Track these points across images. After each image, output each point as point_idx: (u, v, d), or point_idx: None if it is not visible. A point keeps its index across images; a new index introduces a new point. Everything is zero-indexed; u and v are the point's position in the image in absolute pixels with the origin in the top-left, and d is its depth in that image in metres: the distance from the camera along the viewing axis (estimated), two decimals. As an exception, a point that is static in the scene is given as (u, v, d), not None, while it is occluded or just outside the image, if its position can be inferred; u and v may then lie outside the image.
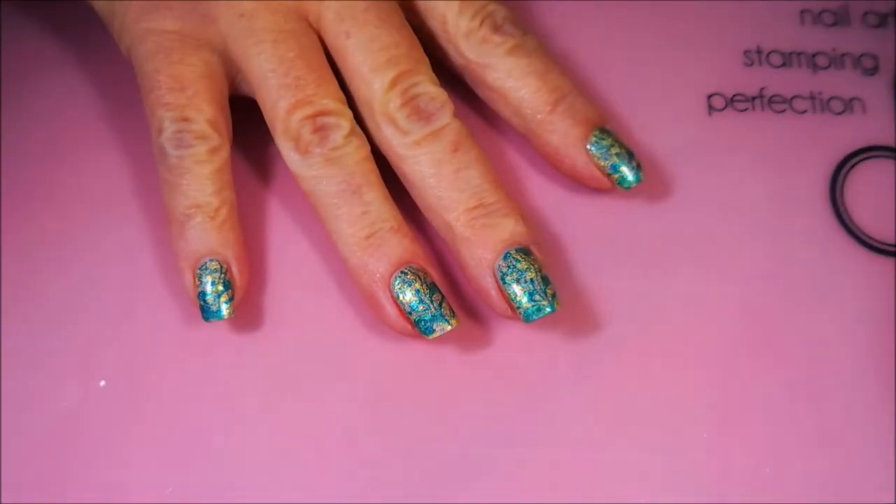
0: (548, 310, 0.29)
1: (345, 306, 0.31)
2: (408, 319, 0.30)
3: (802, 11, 0.36)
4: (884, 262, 0.32)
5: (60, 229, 0.32)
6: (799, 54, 0.35)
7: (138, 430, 0.30)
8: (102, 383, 0.30)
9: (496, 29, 0.32)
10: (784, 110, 0.34)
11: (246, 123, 0.33)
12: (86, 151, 0.34)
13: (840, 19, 0.36)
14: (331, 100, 0.30)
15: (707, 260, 0.32)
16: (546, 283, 0.29)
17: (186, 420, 0.30)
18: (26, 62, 0.35)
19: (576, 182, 0.32)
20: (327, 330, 0.31)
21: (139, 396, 0.30)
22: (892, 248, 0.32)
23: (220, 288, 0.30)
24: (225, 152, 0.31)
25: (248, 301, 0.31)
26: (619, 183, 0.31)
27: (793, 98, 0.34)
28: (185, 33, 0.31)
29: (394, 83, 0.30)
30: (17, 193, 0.33)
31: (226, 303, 0.30)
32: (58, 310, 0.31)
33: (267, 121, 0.31)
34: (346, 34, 0.31)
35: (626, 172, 0.31)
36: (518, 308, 0.29)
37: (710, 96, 0.34)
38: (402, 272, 0.30)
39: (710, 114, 0.34)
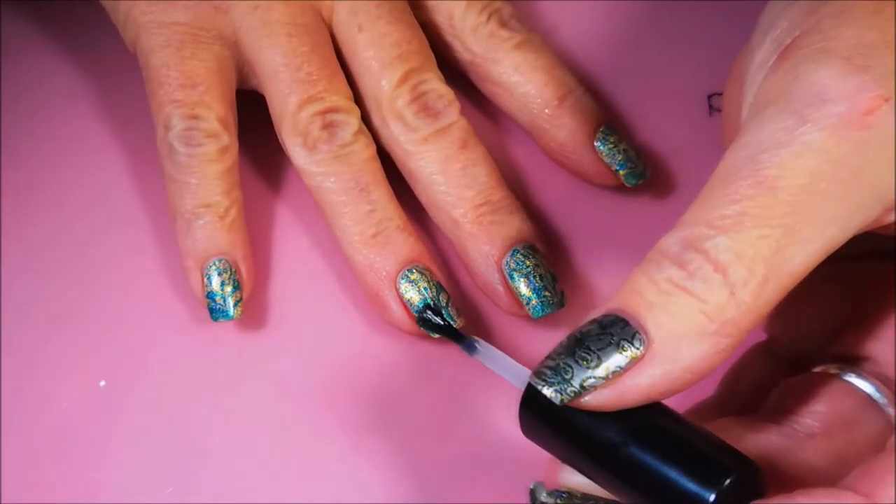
0: (556, 306, 0.29)
1: (347, 305, 0.31)
2: (413, 318, 0.30)
3: (802, 11, 0.36)
4: (884, 262, 0.32)
5: (61, 229, 0.32)
6: (799, 54, 0.35)
7: (138, 430, 0.30)
8: (102, 383, 0.30)
9: (503, 24, 0.32)
10: (784, 110, 0.34)
11: (245, 118, 0.32)
12: (86, 151, 0.34)
13: (840, 19, 0.36)
14: (341, 97, 0.30)
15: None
16: (554, 280, 0.30)
17: (186, 420, 0.30)
18: (26, 62, 0.35)
19: (581, 178, 0.32)
20: (329, 329, 0.31)
21: (139, 396, 0.30)
22: (891, 248, 0.32)
23: (230, 289, 0.30)
24: (234, 151, 0.31)
25: (249, 300, 0.31)
26: (625, 179, 0.32)
27: (793, 98, 0.34)
28: (195, 25, 0.31)
29: (403, 80, 0.30)
30: (18, 194, 0.33)
31: (235, 304, 0.30)
32: (58, 310, 0.31)
33: (273, 115, 0.31)
34: (358, 27, 0.31)
35: (633, 169, 0.31)
36: (527, 304, 0.29)
37: (710, 96, 0.34)
38: (407, 271, 0.30)
39: (710, 114, 0.34)
